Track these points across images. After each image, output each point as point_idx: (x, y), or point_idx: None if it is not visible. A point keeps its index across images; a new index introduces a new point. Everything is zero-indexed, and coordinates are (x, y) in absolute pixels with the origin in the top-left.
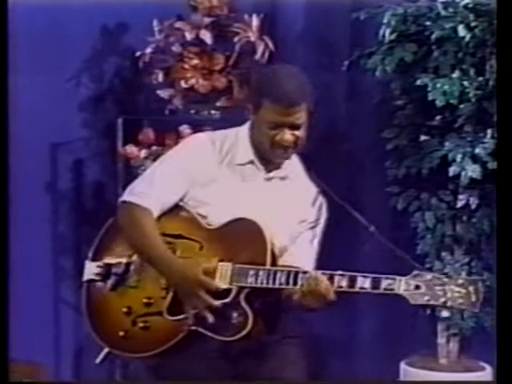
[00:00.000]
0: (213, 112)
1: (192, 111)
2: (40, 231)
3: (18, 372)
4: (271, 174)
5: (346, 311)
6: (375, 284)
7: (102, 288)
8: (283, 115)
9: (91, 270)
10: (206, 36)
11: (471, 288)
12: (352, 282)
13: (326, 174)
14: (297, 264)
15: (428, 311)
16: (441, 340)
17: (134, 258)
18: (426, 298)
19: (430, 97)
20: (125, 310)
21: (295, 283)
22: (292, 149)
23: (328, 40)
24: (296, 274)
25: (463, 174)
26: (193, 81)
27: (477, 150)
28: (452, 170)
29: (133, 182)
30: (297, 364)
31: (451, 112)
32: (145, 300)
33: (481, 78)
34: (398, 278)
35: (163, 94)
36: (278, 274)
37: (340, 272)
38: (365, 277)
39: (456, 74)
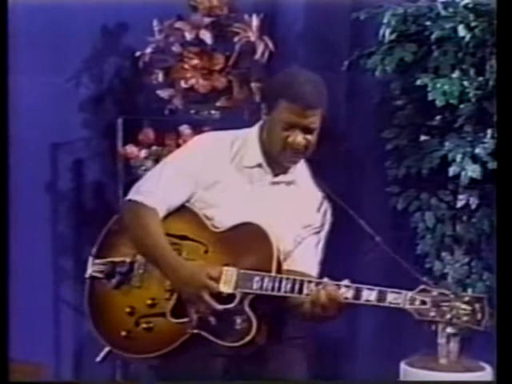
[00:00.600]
0: (213, 112)
1: (192, 111)
2: (40, 231)
3: (18, 372)
4: (278, 179)
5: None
6: (381, 297)
7: (105, 286)
8: (299, 116)
9: (95, 266)
10: (206, 36)
11: (477, 306)
12: (358, 293)
13: (326, 174)
14: (300, 269)
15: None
16: (441, 340)
17: (139, 257)
18: (432, 314)
19: (430, 97)
20: (128, 309)
21: (300, 292)
22: (302, 153)
23: (328, 40)
24: (301, 283)
25: (463, 174)
26: (193, 81)
27: (477, 150)
28: (452, 170)
29: (139, 181)
30: (299, 365)
31: (451, 112)
32: (148, 301)
33: (481, 78)
34: (403, 292)
35: (163, 93)
36: (284, 282)
37: (346, 283)
38: (371, 289)
39: (456, 74)
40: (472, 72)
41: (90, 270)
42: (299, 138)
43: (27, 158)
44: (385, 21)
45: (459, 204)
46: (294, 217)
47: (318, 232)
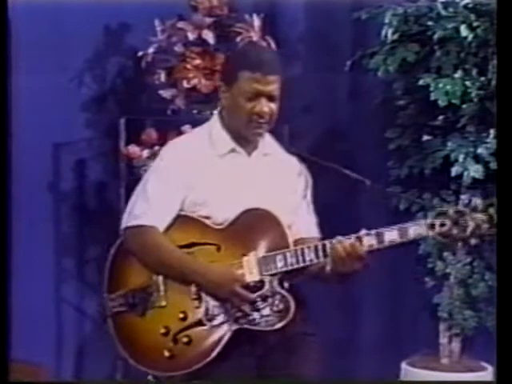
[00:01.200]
0: (215, 112)
1: (194, 111)
2: (42, 231)
3: (18, 372)
4: (254, 156)
5: (347, 311)
6: (402, 233)
7: (131, 316)
8: (262, 83)
9: (113, 302)
10: (209, 36)
11: (491, 211)
12: (380, 237)
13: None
14: (306, 235)
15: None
16: (443, 340)
17: (155, 277)
18: (455, 232)
19: (433, 97)
20: (163, 330)
21: (325, 255)
22: (267, 123)
23: (330, 40)
24: (323, 246)
25: (466, 174)
26: (195, 81)
27: (479, 150)
28: (454, 170)
29: (127, 207)
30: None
31: (453, 112)
32: (180, 315)
33: (483, 78)
34: (421, 221)
35: (165, 94)
36: (306, 251)
37: (365, 231)
38: (391, 230)
39: (458, 74)
40: (474, 72)
41: (110, 309)
42: (265, 107)
43: (29, 157)
44: (386, 21)
45: (462, 204)
46: (282, 186)
47: (305, 195)
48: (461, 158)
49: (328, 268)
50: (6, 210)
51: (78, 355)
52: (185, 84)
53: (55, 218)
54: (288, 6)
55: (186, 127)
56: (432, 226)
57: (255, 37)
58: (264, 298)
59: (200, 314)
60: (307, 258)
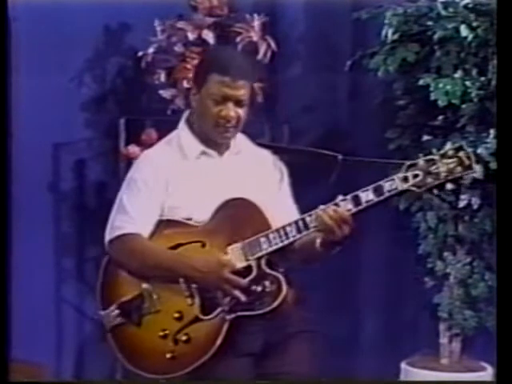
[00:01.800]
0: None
1: None
2: (42, 231)
3: (18, 372)
4: (226, 154)
5: (348, 310)
6: (378, 191)
7: (127, 327)
8: (230, 88)
9: (109, 317)
10: (209, 36)
11: (461, 154)
12: (357, 200)
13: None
14: (286, 222)
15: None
16: (443, 340)
17: (144, 285)
18: (428, 180)
19: (433, 97)
20: (161, 333)
21: (307, 228)
22: (234, 128)
23: (330, 40)
24: (303, 220)
25: None
26: None
27: (479, 150)
28: None
29: (108, 223)
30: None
31: (453, 112)
32: (175, 315)
33: (483, 78)
34: (394, 176)
35: (165, 94)
36: (288, 229)
37: (341, 197)
38: (365, 190)
39: (458, 74)
40: (474, 72)
41: (108, 323)
42: (231, 111)
43: (29, 157)
44: (386, 21)
45: (461, 204)
46: (258, 181)
47: (282, 185)
48: None
49: (318, 241)
50: (6, 210)
51: (78, 355)
52: (185, 84)
53: (55, 218)
54: (288, 6)
55: None
56: (405, 179)
57: (255, 37)
58: (255, 282)
59: (195, 310)
60: (290, 235)
